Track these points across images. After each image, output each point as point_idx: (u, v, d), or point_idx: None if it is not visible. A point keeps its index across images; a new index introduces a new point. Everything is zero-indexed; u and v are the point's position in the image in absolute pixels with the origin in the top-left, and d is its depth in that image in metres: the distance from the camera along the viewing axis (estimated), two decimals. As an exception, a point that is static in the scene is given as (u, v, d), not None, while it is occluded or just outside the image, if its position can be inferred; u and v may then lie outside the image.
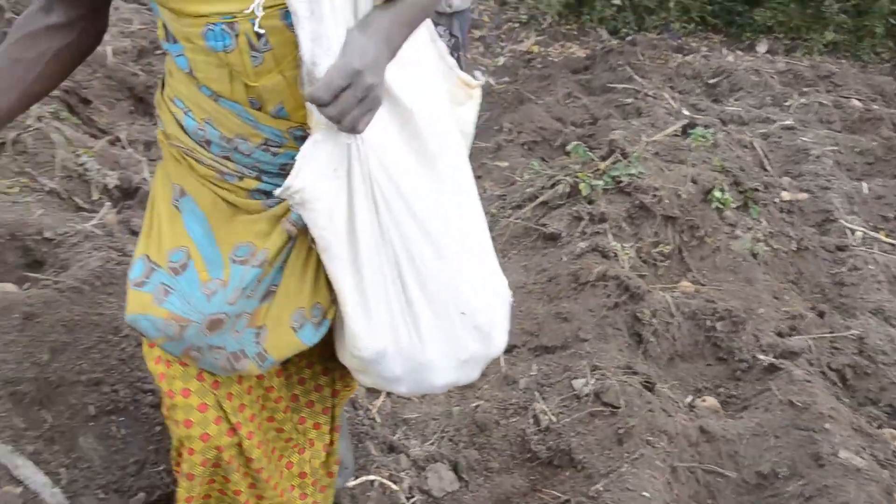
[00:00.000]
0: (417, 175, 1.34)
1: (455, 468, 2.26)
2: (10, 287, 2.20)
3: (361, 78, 1.15)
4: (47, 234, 2.43)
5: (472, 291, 1.43)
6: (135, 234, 2.62)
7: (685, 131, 4.02)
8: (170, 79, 1.36)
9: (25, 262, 2.41)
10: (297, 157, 1.23)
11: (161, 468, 1.97)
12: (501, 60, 6.12)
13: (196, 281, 1.33)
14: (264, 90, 1.26)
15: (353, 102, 1.15)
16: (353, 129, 1.18)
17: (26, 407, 1.87)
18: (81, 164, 2.92)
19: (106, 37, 1.50)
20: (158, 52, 4.40)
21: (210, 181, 1.38)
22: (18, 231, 2.42)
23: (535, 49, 6.24)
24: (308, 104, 1.21)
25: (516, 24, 6.75)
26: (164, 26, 1.28)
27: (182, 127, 1.36)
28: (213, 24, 1.20)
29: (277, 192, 1.24)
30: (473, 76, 1.39)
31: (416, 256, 1.35)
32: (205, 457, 1.49)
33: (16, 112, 1.33)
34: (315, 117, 1.21)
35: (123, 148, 3.37)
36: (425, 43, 1.39)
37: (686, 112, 4.62)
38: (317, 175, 1.23)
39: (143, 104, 4.03)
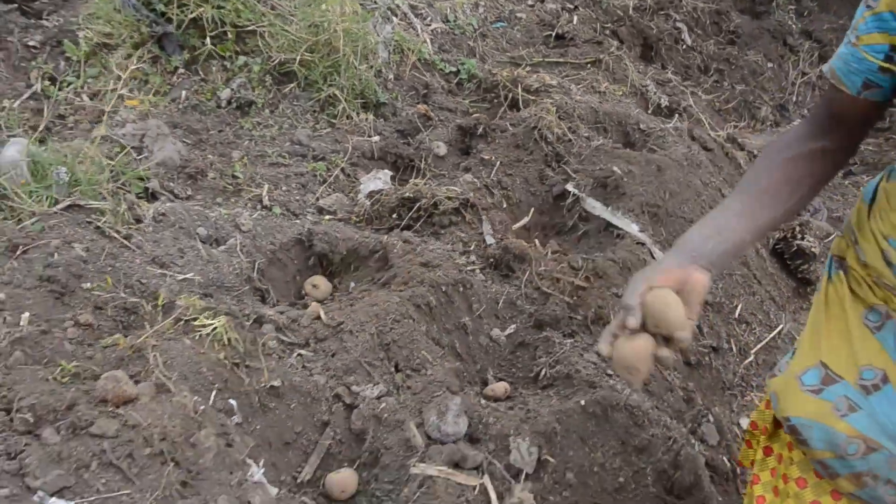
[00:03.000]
0: None
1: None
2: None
3: None
4: (641, 126, 3.54)
5: None
6: (693, 139, 3.65)
7: None
8: (889, 213, 1.28)
9: (623, 142, 3.55)
10: None
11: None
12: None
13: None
14: None
15: None
16: None
17: (651, 221, 2.98)
18: (644, 85, 4.03)
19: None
20: (662, 12, 5.44)
21: None
22: (622, 121, 3.56)
23: None
24: None
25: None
26: None
27: (890, 264, 1.28)
28: None
29: None
30: None
31: None
32: None
33: (766, 230, 1.35)
34: None
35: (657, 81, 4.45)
36: None
37: None
38: None
39: (650, 51, 5.09)
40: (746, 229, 1.29)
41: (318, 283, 2.61)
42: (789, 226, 3.33)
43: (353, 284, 2.62)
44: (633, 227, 2.87)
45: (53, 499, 1.54)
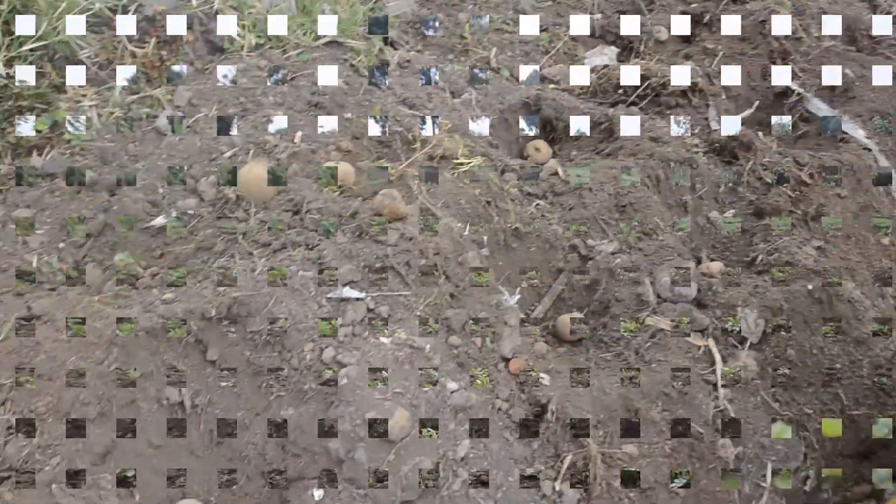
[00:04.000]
0: None
1: None
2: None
3: None
4: (872, 33, 3.39)
5: None
6: None
7: None
8: None
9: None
10: None
11: None
12: None
13: None
14: None
15: None
16: None
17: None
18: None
19: None
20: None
21: None
22: (851, 25, 3.42)
23: None
24: None
25: None
26: None
27: None
28: None
29: None
30: None
31: None
32: None
33: None
34: None
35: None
36: None
37: None
38: None
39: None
40: None
41: (541, 147, 2.70)
42: None
43: (574, 152, 2.70)
44: (859, 133, 2.80)
45: (346, 287, 1.73)
